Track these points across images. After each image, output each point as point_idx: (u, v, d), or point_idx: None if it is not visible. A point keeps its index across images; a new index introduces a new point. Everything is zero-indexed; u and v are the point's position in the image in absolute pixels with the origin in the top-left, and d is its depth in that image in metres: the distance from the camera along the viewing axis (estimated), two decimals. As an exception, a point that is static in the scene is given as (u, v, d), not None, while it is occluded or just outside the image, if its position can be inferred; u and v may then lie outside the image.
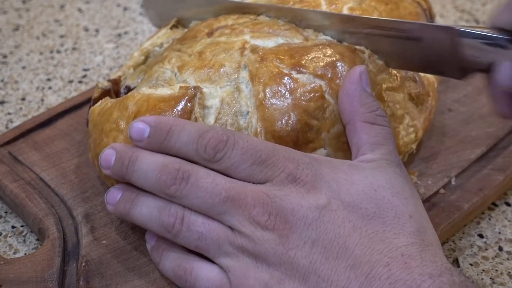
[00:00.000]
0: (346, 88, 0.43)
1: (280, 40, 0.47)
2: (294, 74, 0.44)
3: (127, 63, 0.54)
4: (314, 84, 0.43)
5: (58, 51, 0.75)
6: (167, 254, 0.41)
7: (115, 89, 0.52)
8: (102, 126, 0.46)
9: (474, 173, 0.51)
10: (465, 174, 0.51)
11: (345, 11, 0.50)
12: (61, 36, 0.78)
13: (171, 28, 0.56)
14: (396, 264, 0.35)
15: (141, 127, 0.41)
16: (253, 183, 0.39)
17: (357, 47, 0.46)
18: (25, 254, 0.48)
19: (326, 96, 0.43)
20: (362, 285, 0.35)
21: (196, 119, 0.43)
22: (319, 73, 0.44)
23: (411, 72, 0.48)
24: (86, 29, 0.79)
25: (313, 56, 0.45)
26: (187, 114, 0.43)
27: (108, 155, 0.42)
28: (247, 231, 0.37)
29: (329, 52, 0.45)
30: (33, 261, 0.43)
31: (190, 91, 0.44)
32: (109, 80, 0.52)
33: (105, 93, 0.51)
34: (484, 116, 0.56)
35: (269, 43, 0.47)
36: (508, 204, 0.52)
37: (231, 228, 0.38)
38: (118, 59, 0.73)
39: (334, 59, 0.44)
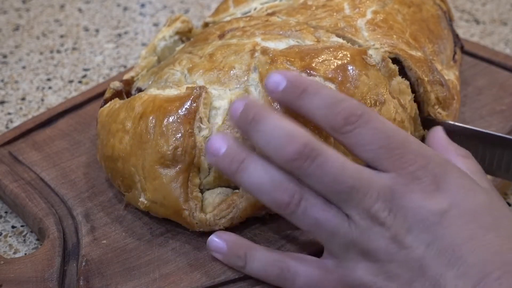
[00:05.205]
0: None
1: (291, 42, 0.47)
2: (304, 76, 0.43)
3: (140, 64, 0.53)
4: None
5: (58, 51, 0.75)
6: (253, 255, 0.41)
7: (126, 90, 0.51)
8: (109, 127, 0.46)
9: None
10: (465, 174, 0.51)
11: (369, 14, 0.50)
12: (61, 36, 0.78)
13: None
14: (508, 279, 0.34)
15: (278, 79, 0.39)
16: (376, 168, 0.38)
17: (370, 50, 0.45)
18: (25, 254, 0.48)
19: None
20: None
21: (201, 119, 0.43)
22: (330, 76, 0.43)
23: (438, 76, 0.48)
24: (86, 29, 0.79)
25: (324, 58, 0.44)
26: (192, 114, 0.43)
27: (237, 106, 0.40)
28: (365, 224, 0.37)
29: (340, 54, 0.44)
30: (33, 261, 0.43)
31: (195, 91, 0.44)
32: (121, 81, 0.52)
33: (117, 93, 0.51)
34: (484, 116, 0.56)
35: (280, 45, 0.47)
36: (508, 204, 0.52)
37: (347, 216, 0.37)
38: (118, 59, 0.73)
39: (345, 62, 0.44)
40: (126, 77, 0.52)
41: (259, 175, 0.39)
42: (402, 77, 0.46)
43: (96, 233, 0.45)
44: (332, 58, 0.44)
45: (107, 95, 0.50)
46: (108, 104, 0.49)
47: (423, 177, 0.37)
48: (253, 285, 0.42)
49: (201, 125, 0.43)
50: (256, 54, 0.46)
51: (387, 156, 0.37)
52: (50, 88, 0.68)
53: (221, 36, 0.50)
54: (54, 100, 0.66)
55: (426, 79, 0.47)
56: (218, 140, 0.40)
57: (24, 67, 0.72)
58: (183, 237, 0.45)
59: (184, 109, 0.43)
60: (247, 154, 0.39)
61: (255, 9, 0.55)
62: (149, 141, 0.43)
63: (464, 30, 0.78)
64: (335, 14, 0.50)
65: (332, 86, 0.43)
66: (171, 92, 0.45)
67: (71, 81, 0.69)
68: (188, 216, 0.43)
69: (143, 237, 0.45)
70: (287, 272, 0.40)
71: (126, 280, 0.42)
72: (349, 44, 0.47)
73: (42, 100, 0.66)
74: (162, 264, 0.43)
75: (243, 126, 0.39)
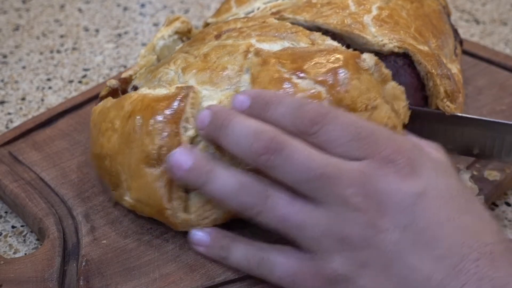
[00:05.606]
0: None
1: (286, 44, 0.47)
2: (294, 79, 0.43)
3: (139, 63, 0.53)
4: (313, 90, 0.42)
5: (58, 51, 0.75)
6: (236, 245, 0.41)
7: (123, 88, 0.51)
8: (100, 126, 0.46)
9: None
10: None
11: (374, 10, 0.50)
12: (61, 36, 0.78)
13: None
14: (485, 261, 0.34)
15: (242, 98, 0.41)
16: (350, 159, 0.37)
17: (364, 54, 0.45)
18: (25, 254, 0.48)
19: (326, 103, 0.42)
20: (447, 277, 0.34)
21: (187, 119, 0.43)
22: (320, 79, 0.43)
23: (445, 69, 0.48)
24: (86, 29, 0.79)
25: (316, 61, 0.44)
26: (178, 113, 0.43)
27: (204, 116, 0.41)
28: (338, 211, 0.37)
29: (333, 58, 0.44)
30: (33, 261, 0.43)
31: (183, 91, 0.44)
32: (119, 79, 0.52)
33: (113, 92, 0.51)
34: (484, 116, 0.56)
35: (275, 46, 0.46)
36: (508, 204, 0.52)
37: (320, 204, 0.37)
38: (118, 59, 0.73)
39: (337, 65, 0.43)
40: (124, 75, 0.52)
41: (226, 183, 0.40)
42: (410, 72, 0.47)
43: (96, 233, 0.45)
44: (325, 61, 0.44)
45: (103, 93, 0.50)
46: (101, 103, 0.49)
47: (397, 160, 0.37)
48: (252, 285, 0.42)
49: (187, 125, 0.43)
50: (249, 55, 0.45)
51: (359, 146, 0.37)
52: (50, 88, 0.68)
53: (217, 37, 0.50)
54: (54, 100, 0.66)
55: (435, 72, 0.47)
56: (182, 155, 0.41)
57: (24, 67, 0.72)
58: (183, 237, 0.45)
59: (170, 108, 0.43)
60: (213, 163, 0.40)
61: (258, 8, 0.54)
62: (135, 140, 0.43)
63: (464, 30, 0.78)
64: (340, 11, 0.50)
65: (322, 89, 0.42)
66: (161, 91, 0.45)
67: (71, 81, 0.69)
68: (171, 216, 0.43)
69: (143, 237, 0.45)
70: (267, 262, 0.40)
71: (126, 280, 0.42)
72: (343, 48, 0.46)
73: (42, 100, 0.66)
74: (162, 264, 0.43)
75: (213, 134, 0.41)
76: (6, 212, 0.52)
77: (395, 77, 0.50)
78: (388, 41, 0.47)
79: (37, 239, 0.49)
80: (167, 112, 0.43)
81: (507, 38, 0.77)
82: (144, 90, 0.46)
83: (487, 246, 0.35)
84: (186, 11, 0.85)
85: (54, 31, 0.79)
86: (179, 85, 0.45)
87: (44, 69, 0.71)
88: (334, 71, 0.43)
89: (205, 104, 0.44)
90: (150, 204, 0.43)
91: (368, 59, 0.44)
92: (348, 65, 0.43)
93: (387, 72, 0.45)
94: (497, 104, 0.58)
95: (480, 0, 0.86)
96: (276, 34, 0.47)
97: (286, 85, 0.43)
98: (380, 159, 0.37)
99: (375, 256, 0.36)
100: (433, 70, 0.47)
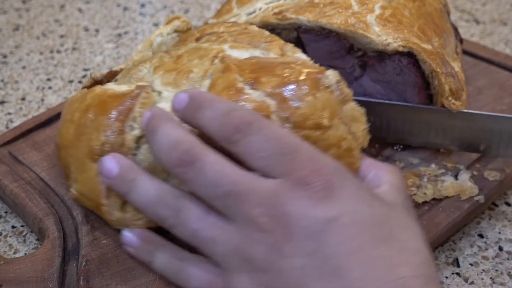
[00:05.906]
0: None
1: (257, 53, 0.45)
2: (247, 89, 0.42)
3: (133, 58, 0.53)
4: (263, 103, 0.41)
5: (58, 51, 0.75)
6: (160, 252, 0.41)
7: (108, 81, 0.51)
8: (64, 116, 0.47)
9: (474, 173, 0.51)
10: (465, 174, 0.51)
11: (377, 10, 0.50)
12: (61, 36, 0.78)
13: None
14: None
15: (182, 97, 0.40)
16: (267, 175, 0.36)
17: (328, 71, 0.42)
18: (25, 254, 0.48)
19: (273, 116, 0.40)
20: None
21: (135, 119, 0.42)
22: (272, 92, 0.41)
23: (449, 68, 0.48)
24: (86, 29, 0.79)
25: (275, 73, 0.42)
26: (126, 112, 0.43)
27: (144, 117, 0.41)
28: (246, 229, 0.35)
29: (294, 71, 0.42)
30: (33, 261, 0.43)
31: (136, 90, 0.44)
32: (107, 72, 0.51)
33: (95, 83, 0.50)
34: (484, 116, 0.56)
35: (244, 54, 0.45)
36: (508, 204, 0.52)
37: (231, 221, 0.36)
38: (118, 59, 0.73)
39: (294, 79, 0.42)
40: (115, 68, 0.52)
41: (146, 193, 0.39)
42: (414, 70, 0.47)
43: (96, 233, 0.45)
44: (285, 74, 0.42)
45: (86, 84, 0.50)
46: (76, 93, 0.49)
47: (313, 182, 0.35)
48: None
49: (134, 124, 0.42)
50: (216, 61, 0.45)
51: (277, 163, 0.36)
52: (50, 88, 0.68)
53: (198, 39, 0.49)
54: (54, 100, 0.66)
55: (440, 71, 0.47)
56: (109, 162, 0.41)
57: (24, 67, 0.72)
58: (183, 237, 0.45)
59: (120, 106, 0.43)
60: (137, 173, 0.40)
61: (260, 9, 0.54)
62: (86, 134, 0.44)
63: (464, 30, 0.78)
64: (343, 11, 0.50)
65: (272, 102, 0.41)
66: (123, 88, 0.45)
67: (71, 81, 0.69)
68: (106, 212, 0.43)
69: (143, 237, 0.45)
70: (184, 273, 0.39)
71: (126, 280, 0.42)
72: (311, 62, 0.44)
73: (42, 100, 0.66)
74: (162, 264, 0.43)
75: (147, 138, 0.40)
76: (6, 212, 0.52)
77: (399, 76, 0.50)
78: (393, 40, 0.47)
79: (37, 239, 0.49)
80: (116, 109, 0.43)
81: (507, 38, 0.77)
82: (109, 85, 0.46)
83: (400, 279, 0.33)
84: (186, 11, 0.85)
85: (54, 31, 0.79)
86: (140, 84, 0.45)
87: (44, 69, 0.72)
88: (288, 85, 0.41)
89: (161, 105, 0.43)
90: (91, 198, 0.44)
91: (331, 76, 0.42)
92: (306, 80, 0.41)
93: (348, 91, 0.42)
94: (497, 104, 0.58)
95: (480, 0, 0.86)
96: (250, 42, 0.47)
97: (238, 95, 0.41)
98: (296, 179, 0.35)
99: (278, 280, 0.34)
100: (438, 69, 0.48)
